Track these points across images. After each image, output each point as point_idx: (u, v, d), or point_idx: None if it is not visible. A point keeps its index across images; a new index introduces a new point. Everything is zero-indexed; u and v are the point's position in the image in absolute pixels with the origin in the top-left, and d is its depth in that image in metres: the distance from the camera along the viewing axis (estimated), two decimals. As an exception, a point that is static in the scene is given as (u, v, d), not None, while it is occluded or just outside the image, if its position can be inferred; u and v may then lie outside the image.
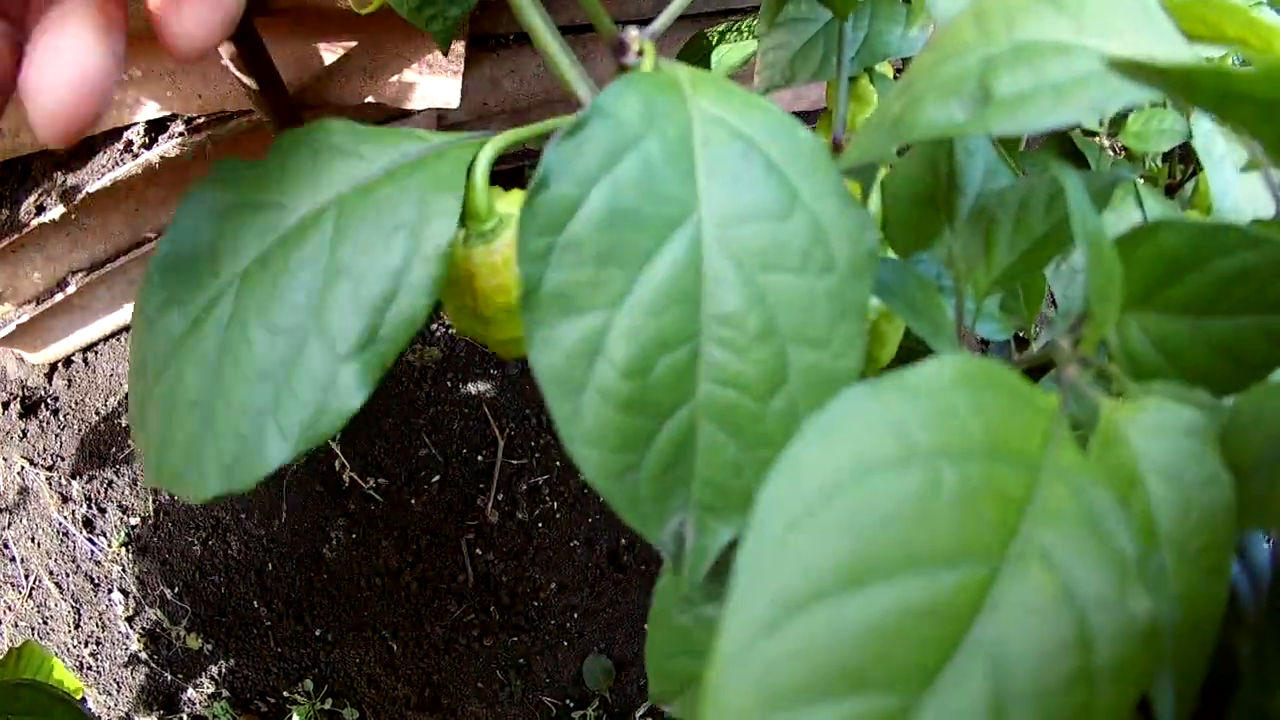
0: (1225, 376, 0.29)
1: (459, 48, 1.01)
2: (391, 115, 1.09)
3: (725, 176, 0.25)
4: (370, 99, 1.01)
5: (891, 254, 0.41)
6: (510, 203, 0.34)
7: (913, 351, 0.43)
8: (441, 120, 1.18)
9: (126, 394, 1.34)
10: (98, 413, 1.31)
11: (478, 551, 1.28)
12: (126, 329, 1.35)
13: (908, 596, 0.18)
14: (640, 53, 0.31)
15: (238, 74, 0.85)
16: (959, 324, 0.35)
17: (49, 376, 1.32)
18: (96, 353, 1.35)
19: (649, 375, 0.24)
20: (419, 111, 1.07)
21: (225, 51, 0.84)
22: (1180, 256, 0.27)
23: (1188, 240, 0.26)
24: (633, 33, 0.32)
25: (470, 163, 0.32)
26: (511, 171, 1.29)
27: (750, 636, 0.18)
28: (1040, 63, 0.23)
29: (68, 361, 1.33)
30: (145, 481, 0.30)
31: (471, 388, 1.32)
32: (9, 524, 1.28)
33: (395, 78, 1.01)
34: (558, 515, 1.30)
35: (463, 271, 0.33)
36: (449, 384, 1.32)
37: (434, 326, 1.29)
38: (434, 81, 1.02)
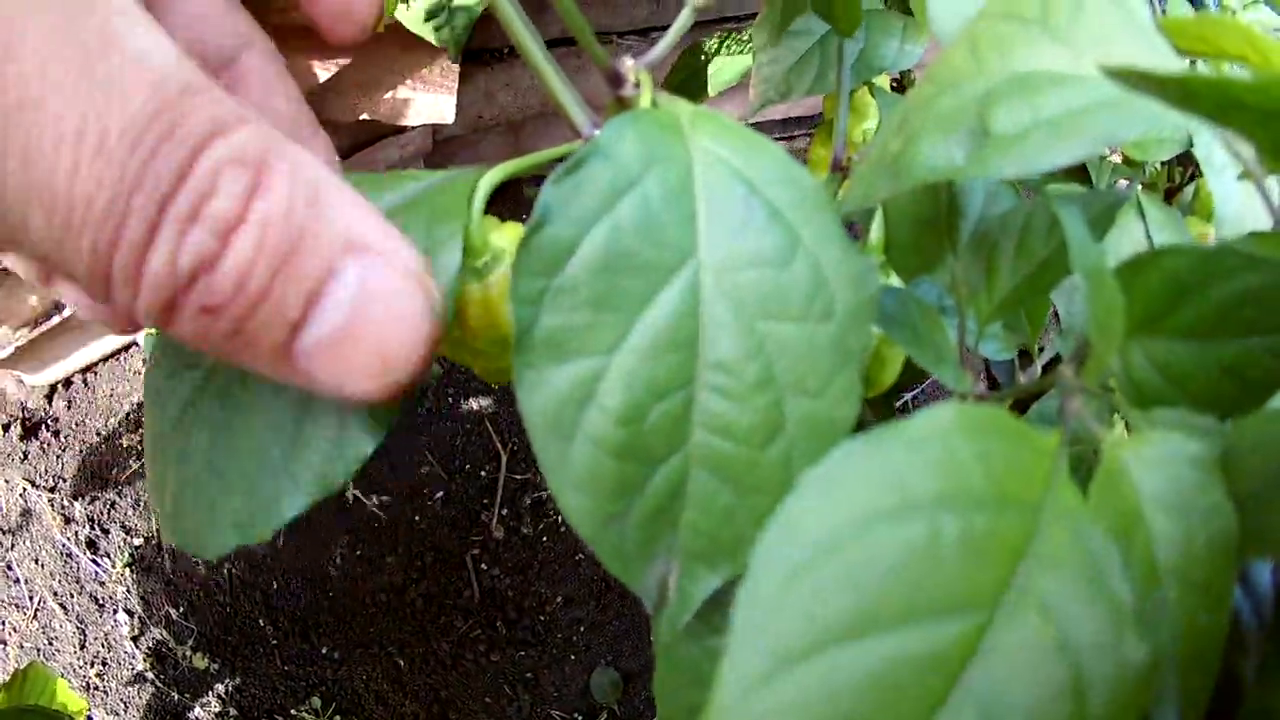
0: (1232, 399, 0.28)
1: (449, 80, 1.01)
2: (387, 131, 1.09)
3: (726, 221, 0.25)
4: (365, 115, 1.01)
5: (895, 278, 0.41)
6: (504, 236, 0.33)
7: (917, 371, 0.43)
8: (436, 135, 1.18)
9: (127, 414, 1.34)
10: (98, 433, 1.31)
11: (483, 566, 1.28)
12: (125, 349, 1.35)
13: (905, 648, 0.18)
14: (637, 84, 0.31)
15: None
16: (961, 346, 0.34)
17: (49, 398, 1.32)
18: (96, 373, 1.35)
19: (643, 422, 0.24)
20: (414, 127, 1.07)
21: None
22: (1182, 282, 0.26)
23: (1189, 265, 0.26)
24: (628, 62, 0.31)
25: (469, 194, 0.32)
26: (502, 187, 1.28)
27: (746, 688, 0.18)
28: (1037, 98, 0.23)
29: (67, 382, 1.33)
30: (164, 540, 0.30)
31: (473, 403, 1.32)
32: (13, 545, 1.28)
33: (390, 94, 1.01)
34: (562, 529, 1.29)
35: (455, 305, 0.33)
36: (450, 400, 1.32)
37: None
38: (428, 97, 1.01)
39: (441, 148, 1.22)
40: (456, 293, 0.33)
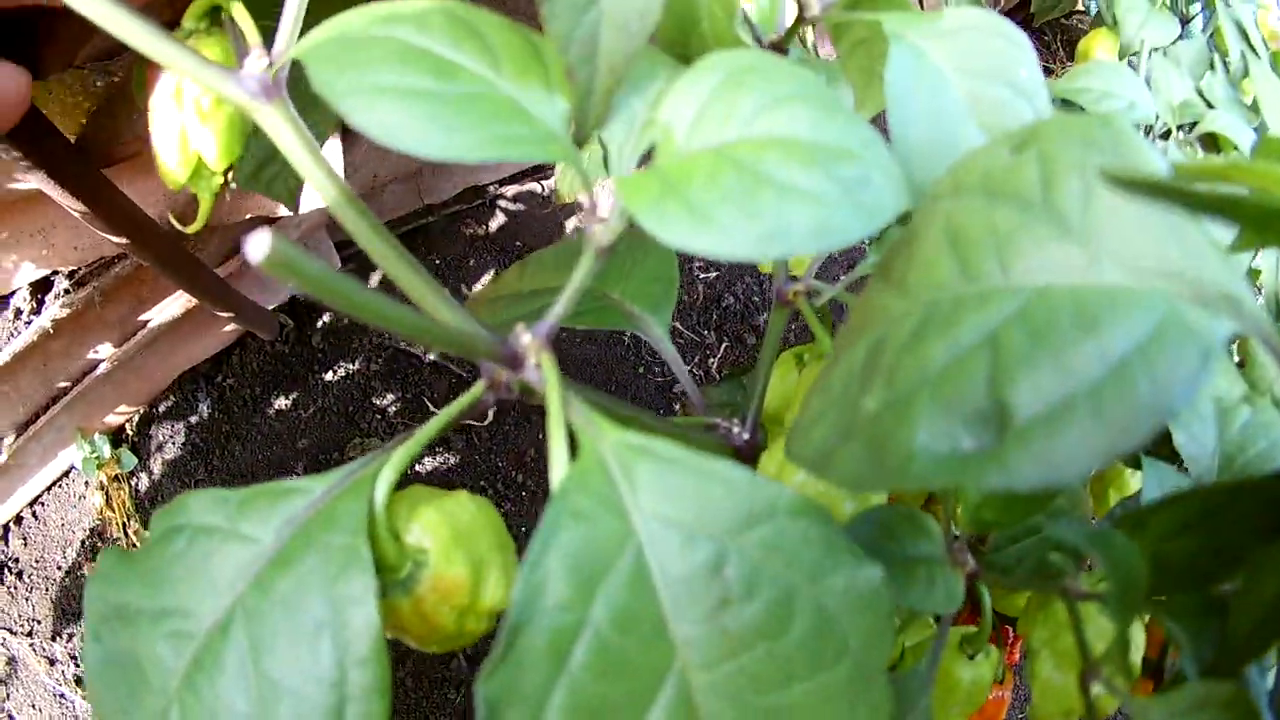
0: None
1: (334, 139, 0.96)
2: (276, 219, 1.05)
3: (699, 607, 0.22)
4: (251, 215, 0.97)
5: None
6: (420, 526, 0.31)
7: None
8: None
9: (81, 543, 1.31)
10: (59, 567, 1.28)
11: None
12: (65, 475, 1.31)
13: None
14: (538, 365, 0.28)
15: (101, 234, 0.81)
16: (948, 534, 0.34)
17: (3, 538, 1.29)
18: (43, 504, 1.31)
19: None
20: (307, 213, 1.03)
21: (77, 212, 0.79)
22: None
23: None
24: (525, 339, 0.28)
25: (366, 501, 0.29)
26: (450, 217, 1.25)
27: None
28: (1063, 350, 0.18)
29: (18, 519, 1.29)
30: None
31: (441, 461, 1.30)
32: (8, 695, 1.25)
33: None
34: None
35: (391, 623, 0.31)
36: (421, 462, 1.30)
37: (371, 415, 1.26)
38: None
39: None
40: (389, 611, 0.31)
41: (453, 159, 0.22)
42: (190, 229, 0.41)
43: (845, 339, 0.25)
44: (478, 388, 0.31)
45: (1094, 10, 1.12)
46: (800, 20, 0.38)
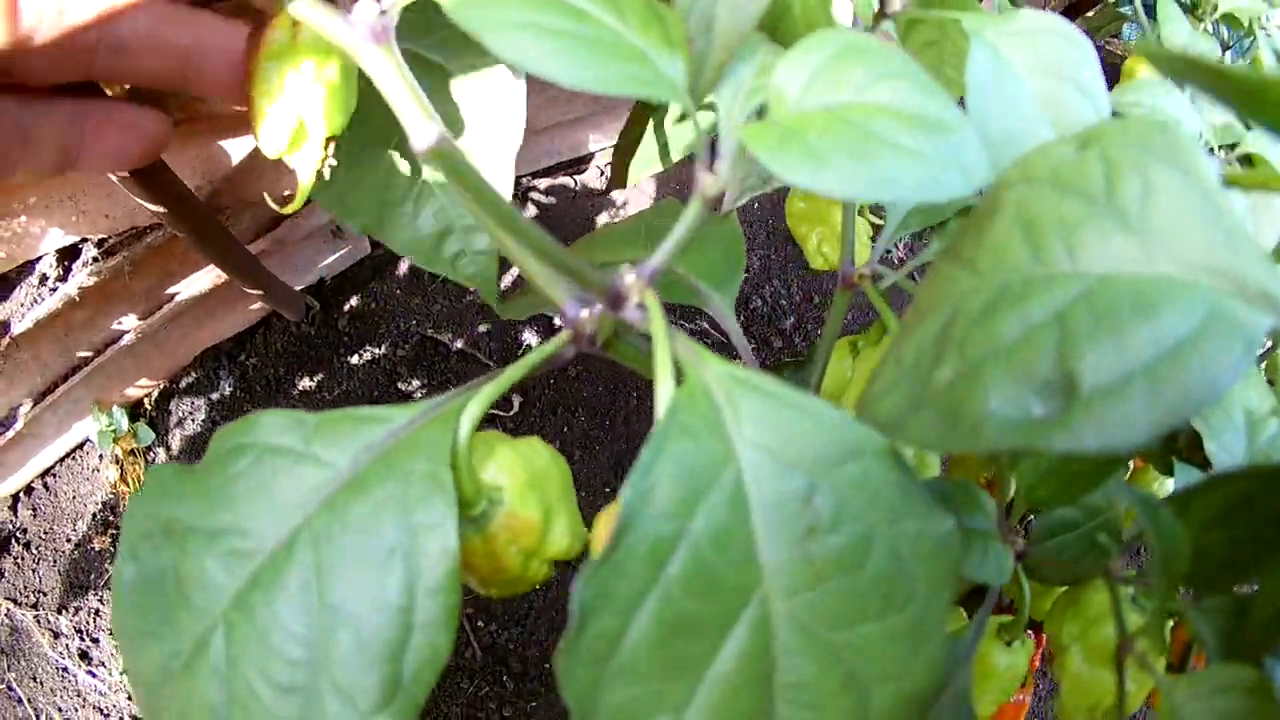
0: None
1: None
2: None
3: (789, 534, 0.23)
4: (290, 190, 0.97)
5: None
6: (497, 465, 0.31)
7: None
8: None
9: (93, 515, 1.30)
10: (69, 539, 1.27)
11: (479, 624, 1.27)
12: (79, 447, 1.31)
13: None
14: (641, 305, 0.28)
15: (139, 201, 0.81)
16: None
17: (13, 509, 1.28)
18: (55, 475, 1.30)
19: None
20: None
21: (115, 178, 0.79)
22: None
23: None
24: (629, 279, 0.28)
25: (449, 433, 0.29)
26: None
27: None
28: (1123, 332, 0.20)
29: (28, 490, 1.29)
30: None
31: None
32: (9, 666, 1.24)
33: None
34: (554, 575, 1.28)
35: (460, 560, 0.31)
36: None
37: (395, 399, 1.26)
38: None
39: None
40: (459, 548, 0.31)
41: (586, 89, 0.23)
42: (288, 209, 0.41)
43: (915, 315, 0.27)
44: (562, 336, 0.31)
45: (1130, 37, 1.13)
46: (880, 15, 0.39)
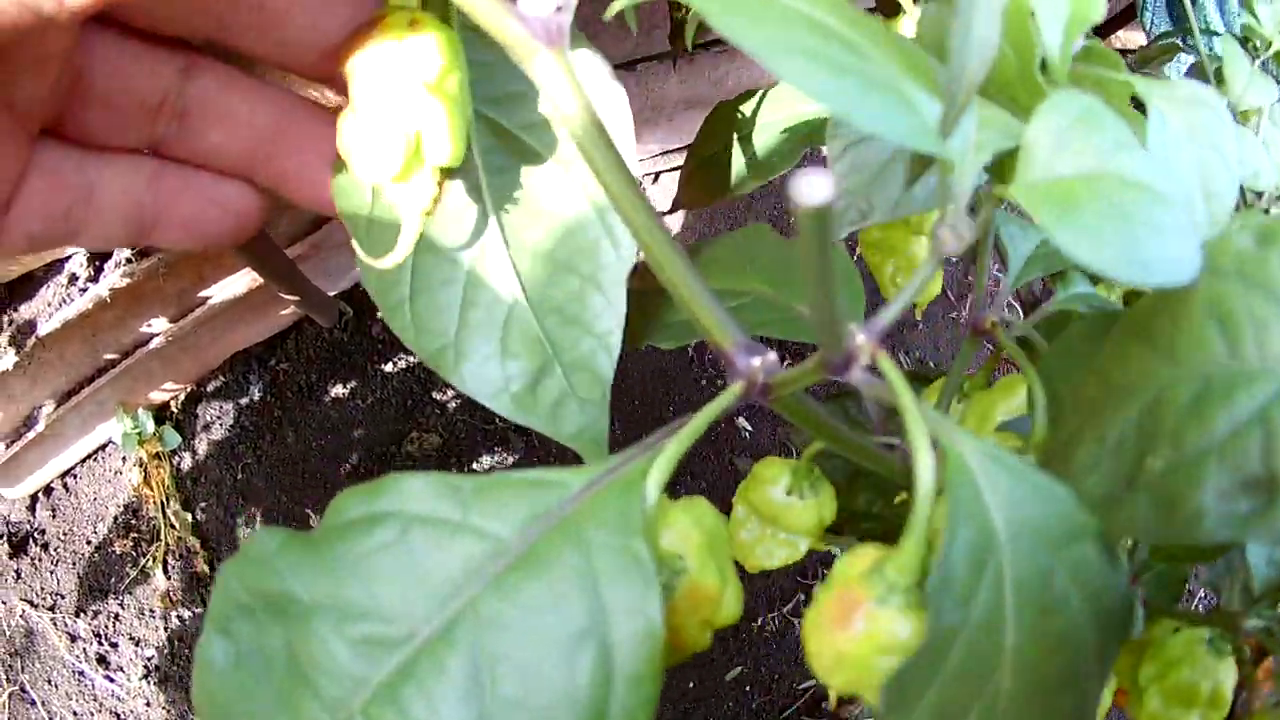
0: None
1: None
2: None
3: (1028, 616, 0.23)
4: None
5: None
6: (674, 530, 0.29)
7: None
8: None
9: (114, 518, 1.28)
10: (88, 541, 1.25)
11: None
12: (102, 448, 1.29)
13: None
14: (873, 368, 0.25)
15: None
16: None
17: (31, 509, 1.26)
18: (75, 476, 1.28)
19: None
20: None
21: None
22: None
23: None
24: (859, 339, 0.25)
25: (635, 501, 0.27)
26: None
27: None
28: None
29: (48, 490, 1.27)
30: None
31: (500, 460, 1.28)
32: (24, 668, 1.22)
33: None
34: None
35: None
36: (452, 470, 1.28)
37: (429, 409, 1.25)
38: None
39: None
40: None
41: (861, 126, 0.23)
42: (385, 264, 0.33)
43: (1105, 392, 0.27)
44: (735, 389, 0.29)
45: (1181, 73, 1.12)
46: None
